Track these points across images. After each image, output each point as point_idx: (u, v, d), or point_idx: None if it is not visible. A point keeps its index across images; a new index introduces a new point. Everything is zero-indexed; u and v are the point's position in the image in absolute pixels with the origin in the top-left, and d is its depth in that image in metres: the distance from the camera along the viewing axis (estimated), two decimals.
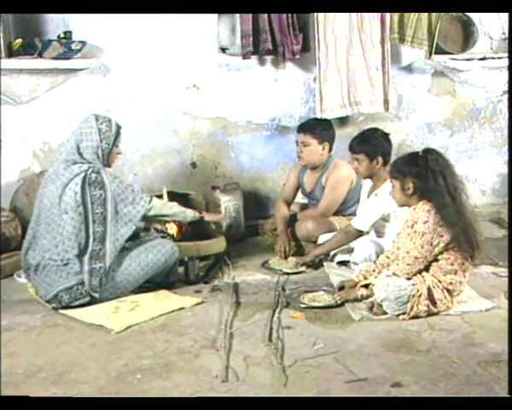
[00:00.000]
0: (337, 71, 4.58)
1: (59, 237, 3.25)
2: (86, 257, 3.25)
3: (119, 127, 3.44)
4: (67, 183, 3.26)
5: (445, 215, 3.05)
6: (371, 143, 3.72)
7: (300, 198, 4.49)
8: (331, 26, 4.51)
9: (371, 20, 4.57)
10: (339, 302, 3.24)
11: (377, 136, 3.78)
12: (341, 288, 3.35)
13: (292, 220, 4.24)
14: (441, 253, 3.10)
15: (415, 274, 3.11)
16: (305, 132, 4.11)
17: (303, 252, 4.13)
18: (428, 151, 3.17)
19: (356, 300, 3.23)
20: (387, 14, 4.58)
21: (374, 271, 3.26)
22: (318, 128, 4.13)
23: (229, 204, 4.42)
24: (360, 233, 3.69)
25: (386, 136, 3.81)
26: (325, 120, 4.35)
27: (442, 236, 3.07)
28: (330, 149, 4.18)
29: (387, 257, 3.28)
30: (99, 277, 3.26)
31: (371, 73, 4.63)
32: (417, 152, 3.21)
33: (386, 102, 4.70)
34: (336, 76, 4.59)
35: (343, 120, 4.79)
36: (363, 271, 3.33)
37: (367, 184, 3.90)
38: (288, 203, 4.35)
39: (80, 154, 3.33)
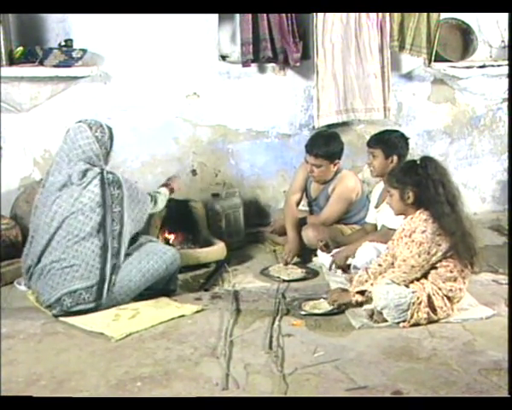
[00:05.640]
0: (334, 78, 4.60)
1: (74, 238, 3.27)
2: (109, 255, 3.29)
3: (110, 130, 3.49)
4: (86, 186, 3.30)
5: (444, 224, 3.05)
6: (390, 141, 3.78)
7: (301, 205, 4.47)
8: (329, 34, 4.53)
9: (369, 28, 4.59)
10: (335, 305, 3.23)
11: (397, 136, 3.84)
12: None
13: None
14: (439, 261, 3.10)
15: (411, 281, 3.11)
16: (316, 156, 4.01)
17: (307, 259, 4.11)
18: (427, 159, 3.17)
19: (350, 305, 3.22)
20: (386, 22, 4.60)
21: (366, 281, 3.24)
22: (329, 148, 4.02)
23: (229, 212, 4.43)
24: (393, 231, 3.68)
25: (405, 139, 3.85)
26: (333, 135, 4.17)
27: (440, 245, 3.07)
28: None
29: (380, 265, 3.27)
30: (115, 274, 3.32)
31: (369, 81, 4.64)
32: (415, 161, 3.21)
33: (385, 109, 4.71)
34: (333, 83, 4.60)
35: (343, 128, 4.80)
36: (357, 281, 3.28)
37: (379, 187, 3.92)
38: (297, 204, 4.29)
39: (90, 163, 3.36)
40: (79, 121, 3.48)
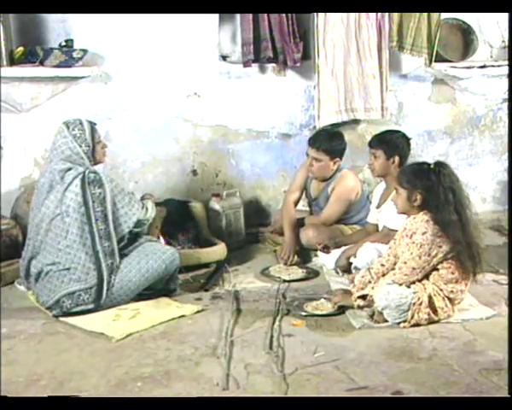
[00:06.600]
0: (334, 78, 4.60)
1: (63, 241, 3.27)
2: (100, 255, 3.27)
3: (92, 125, 3.46)
4: (67, 187, 3.29)
5: (449, 231, 3.03)
6: (392, 142, 3.78)
7: (301, 205, 4.48)
8: (330, 34, 4.53)
9: (369, 28, 4.59)
10: (335, 307, 3.24)
11: (399, 136, 3.85)
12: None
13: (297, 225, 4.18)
14: (441, 262, 3.10)
15: (413, 282, 3.10)
16: (317, 149, 4.03)
17: (308, 259, 4.11)
18: (441, 165, 3.13)
19: (352, 307, 3.22)
20: (385, 23, 4.60)
21: (369, 282, 3.23)
22: (331, 144, 4.05)
23: (229, 212, 4.43)
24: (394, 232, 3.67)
25: (407, 140, 3.85)
26: (337, 133, 4.22)
27: (441, 246, 3.06)
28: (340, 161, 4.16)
29: (382, 265, 3.26)
30: (114, 274, 3.29)
31: (368, 81, 4.64)
32: (429, 164, 3.16)
33: (383, 108, 4.71)
34: (333, 83, 4.60)
35: (344, 128, 4.80)
36: (359, 282, 3.28)
37: (380, 187, 3.93)
38: (296, 204, 4.30)
39: (71, 162, 3.36)
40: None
